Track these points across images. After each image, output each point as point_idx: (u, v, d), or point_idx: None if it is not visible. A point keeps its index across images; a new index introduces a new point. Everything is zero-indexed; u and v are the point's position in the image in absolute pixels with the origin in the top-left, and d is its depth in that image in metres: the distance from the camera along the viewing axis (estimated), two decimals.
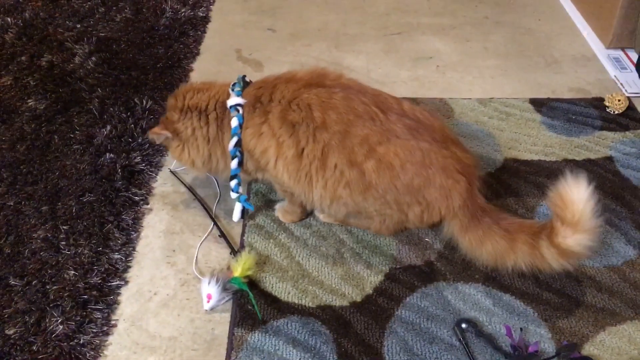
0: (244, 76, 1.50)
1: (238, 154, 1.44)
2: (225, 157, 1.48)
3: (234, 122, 1.42)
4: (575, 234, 1.26)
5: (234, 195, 1.48)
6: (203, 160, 1.51)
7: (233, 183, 1.47)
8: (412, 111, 1.40)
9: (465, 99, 2.00)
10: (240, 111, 1.43)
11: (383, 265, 1.46)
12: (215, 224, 1.57)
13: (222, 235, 1.54)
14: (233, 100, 1.43)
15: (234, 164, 1.45)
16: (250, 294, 1.37)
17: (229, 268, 1.43)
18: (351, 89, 1.40)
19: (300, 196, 1.45)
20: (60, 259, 1.47)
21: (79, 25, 2.34)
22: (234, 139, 1.42)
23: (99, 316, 1.36)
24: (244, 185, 1.58)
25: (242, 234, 1.54)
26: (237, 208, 1.50)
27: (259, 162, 1.43)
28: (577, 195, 1.24)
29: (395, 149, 1.33)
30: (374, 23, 2.44)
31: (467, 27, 2.41)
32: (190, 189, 1.67)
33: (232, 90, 1.46)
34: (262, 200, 1.64)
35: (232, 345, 1.30)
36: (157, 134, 1.51)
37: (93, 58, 2.14)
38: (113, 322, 1.36)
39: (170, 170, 1.73)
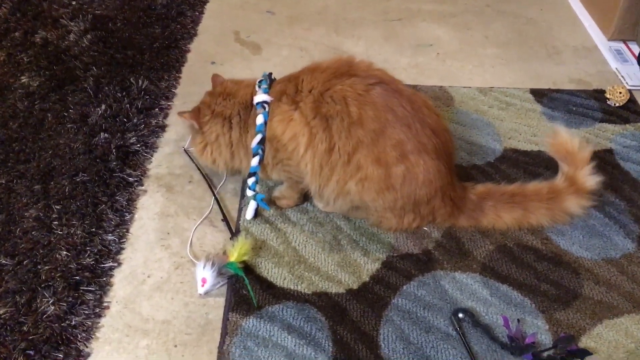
0: (270, 73, 1.49)
1: (260, 151, 1.43)
2: (248, 156, 1.47)
3: (260, 120, 1.41)
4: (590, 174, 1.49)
5: (250, 193, 1.47)
6: (225, 161, 1.51)
7: (251, 181, 1.46)
8: (438, 130, 1.40)
9: (465, 87, 1.98)
10: (267, 109, 1.41)
11: (380, 253, 1.45)
12: (219, 206, 1.55)
13: (225, 219, 1.52)
14: (260, 97, 1.43)
15: (254, 161, 1.44)
16: (245, 279, 1.35)
17: (224, 252, 1.41)
18: (387, 84, 1.38)
19: (310, 186, 1.43)
20: (52, 239, 1.45)
21: (74, 2, 2.29)
22: (258, 136, 1.42)
23: (91, 298, 1.34)
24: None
25: (238, 219, 1.52)
26: (252, 206, 1.50)
27: (279, 150, 1.41)
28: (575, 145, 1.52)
29: (425, 164, 1.36)
30: (374, 8, 2.41)
31: (468, 15, 2.39)
32: (199, 168, 1.65)
33: (259, 87, 1.45)
34: (259, 185, 1.61)
35: (226, 330, 1.28)
36: (186, 120, 1.52)
37: (88, 36, 2.11)
38: (105, 304, 1.34)
39: (185, 150, 1.71)
